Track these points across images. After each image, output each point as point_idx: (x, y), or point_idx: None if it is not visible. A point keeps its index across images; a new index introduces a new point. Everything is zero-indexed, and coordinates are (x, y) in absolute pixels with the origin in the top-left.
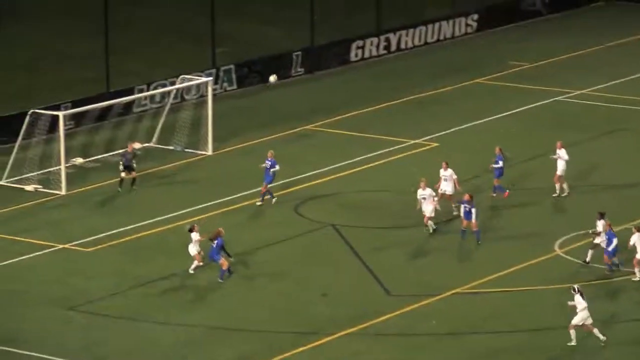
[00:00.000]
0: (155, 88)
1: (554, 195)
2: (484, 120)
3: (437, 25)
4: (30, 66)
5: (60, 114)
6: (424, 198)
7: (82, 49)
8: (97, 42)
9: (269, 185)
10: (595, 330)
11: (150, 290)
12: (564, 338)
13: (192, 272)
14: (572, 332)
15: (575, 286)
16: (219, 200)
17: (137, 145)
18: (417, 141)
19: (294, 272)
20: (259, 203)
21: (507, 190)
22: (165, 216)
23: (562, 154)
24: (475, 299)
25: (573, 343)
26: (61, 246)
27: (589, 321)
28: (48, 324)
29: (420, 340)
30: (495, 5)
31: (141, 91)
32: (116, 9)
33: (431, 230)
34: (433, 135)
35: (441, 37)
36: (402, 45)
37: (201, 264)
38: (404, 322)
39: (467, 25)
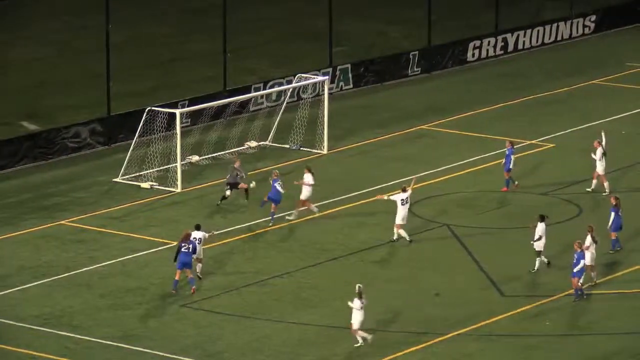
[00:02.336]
0: (271, 86)
1: (587, 189)
2: (601, 121)
3: (554, 26)
4: (148, 64)
5: (177, 111)
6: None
7: (200, 47)
8: (215, 41)
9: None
10: (361, 334)
11: (265, 288)
12: None
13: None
14: (359, 335)
15: (359, 286)
16: (333, 200)
17: (252, 144)
18: (533, 142)
19: (407, 272)
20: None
21: (507, 188)
22: (280, 214)
23: (598, 152)
24: (589, 300)
25: (360, 344)
26: (175, 243)
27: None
28: (162, 320)
29: (533, 342)
30: (614, 7)
31: (258, 90)
32: (236, 7)
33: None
34: (549, 136)
35: (559, 38)
36: (519, 46)
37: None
38: (517, 323)
39: (584, 26)
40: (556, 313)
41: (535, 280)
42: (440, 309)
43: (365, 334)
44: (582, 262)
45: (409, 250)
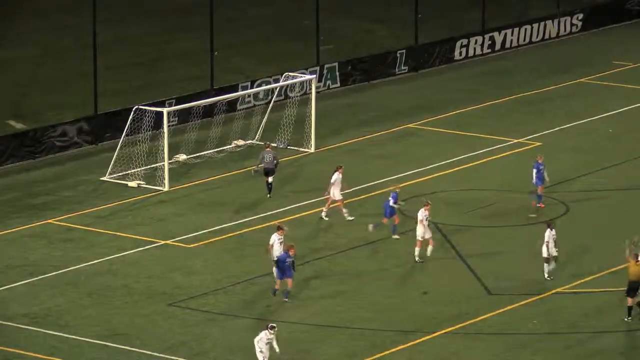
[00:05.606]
0: (259, 85)
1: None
2: (587, 120)
3: (541, 24)
4: (136, 63)
5: (165, 110)
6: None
7: (187, 46)
8: (202, 40)
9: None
10: None
11: (252, 287)
12: None
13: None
14: None
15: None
16: (321, 198)
17: (240, 143)
18: (519, 140)
19: (395, 270)
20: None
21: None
22: (267, 213)
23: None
24: (576, 298)
25: None
26: (163, 242)
27: None
28: (149, 319)
29: (520, 340)
30: (601, 5)
31: (245, 88)
32: (223, 6)
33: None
34: (536, 135)
35: (546, 37)
36: (507, 44)
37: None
38: (504, 321)
39: (572, 24)
40: (543, 311)
41: (522, 278)
42: (427, 307)
43: None
44: None
45: (396, 249)
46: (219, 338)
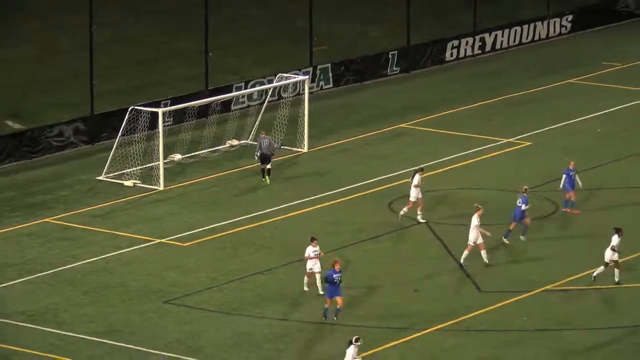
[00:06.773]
0: (253, 86)
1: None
2: (577, 120)
3: (532, 25)
4: (131, 64)
5: (160, 110)
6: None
7: (182, 47)
8: (197, 40)
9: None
10: None
11: (246, 285)
12: None
13: (306, 289)
14: None
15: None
16: (313, 197)
17: (234, 143)
18: (510, 140)
19: (387, 269)
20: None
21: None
22: (261, 212)
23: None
24: (566, 296)
25: None
26: (158, 241)
27: None
28: (145, 317)
29: (510, 337)
30: (590, 7)
31: (239, 89)
32: (218, 7)
33: None
34: (526, 135)
35: (536, 38)
36: (497, 46)
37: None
38: (494, 318)
39: (561, 25)
40: (533, 308)
41: (512, 276)
42: (418, 304)
43: None
44: None
45: (389, 247)
46: (214, 335)
